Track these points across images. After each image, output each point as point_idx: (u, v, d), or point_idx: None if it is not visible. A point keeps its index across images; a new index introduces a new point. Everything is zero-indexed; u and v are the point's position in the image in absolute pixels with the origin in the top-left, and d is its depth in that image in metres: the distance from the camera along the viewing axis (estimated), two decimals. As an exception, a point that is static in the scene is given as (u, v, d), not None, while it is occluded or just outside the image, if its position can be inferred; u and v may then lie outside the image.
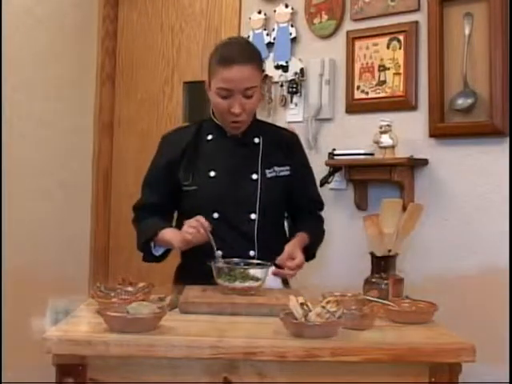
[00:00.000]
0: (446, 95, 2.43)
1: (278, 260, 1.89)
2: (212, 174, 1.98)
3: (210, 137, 2.04)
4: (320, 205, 2.18)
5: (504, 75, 2.29)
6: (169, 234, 1.94)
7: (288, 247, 1.93)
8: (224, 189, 1.96)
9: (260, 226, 1.98)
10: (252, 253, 1.97)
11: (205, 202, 1.96)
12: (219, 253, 1.87)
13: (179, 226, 1.96)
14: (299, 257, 1.92)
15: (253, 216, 1.97)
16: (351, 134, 2.68)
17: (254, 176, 1.99)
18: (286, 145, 2.08)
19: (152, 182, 2.07)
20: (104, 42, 3.55)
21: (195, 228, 1.83)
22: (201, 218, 1.85)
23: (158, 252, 2.01)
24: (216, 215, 1.95)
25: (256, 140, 2.03)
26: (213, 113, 2.04)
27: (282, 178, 2.03)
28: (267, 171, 2.01)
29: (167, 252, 2.03)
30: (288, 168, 2.04)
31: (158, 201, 2.04)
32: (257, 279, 1.78)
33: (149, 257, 2.03)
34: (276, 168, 2.02)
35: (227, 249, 1.90)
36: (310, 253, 2.05)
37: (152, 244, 1.99)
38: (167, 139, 2.11)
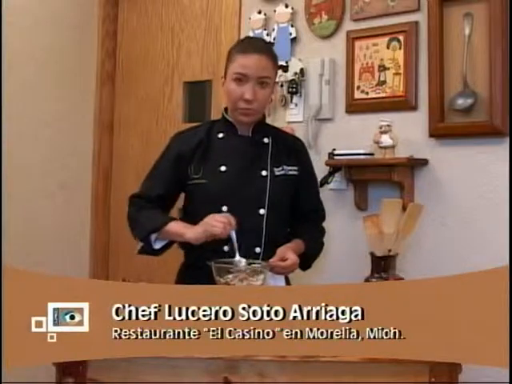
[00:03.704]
0: (446, 95, 2.42)
1: (270, 262, 1.90)
2: (222, 168, 2.00)
3: (221, 135, 2.06)
4: (323, 214, 2.19)
5: (504, 75, 2.29)
6: (178, 227, 1.95)
7: (279, 251, 1.95)
8: (234, 183, 1.98)
9: (268, 221, 1.99)
10: (258, 249, 1.97)
11: (214, 195, 1.98)
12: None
13: (186, 221, 1.98)
14: (291, 258, 1.93)
15: (261, 211, 1.99)
16: (351, 133, 2.68)
17: (264, 172, 2.02)
18: (293, 149, 2.12)
19: (158, 174, 2.08)
20: (104, 42, 3.55)
21: (223, 224, 1.85)
22: (230, 216, 1.87)
23: (157, 245, 2.00)
24: (225, 209, 1.96)
25: (265, 140, 2.07)
26: (225, 111, 2.08)
27: (291, 176, 2.06)
28: (276, 169, 2.04)
29: (167, 247, 2.02)
30: (296, 168, 2.08)
31: (162, 193, 2.04)
32: (257, 279, 1.79)
33: (148, 249, 2.01)
34: (285, 167, 2.05)
35: (233, 245, 1.91)
36: (305, 262, 2.06)
37: (153, 237, 1.98)
38: (179, 136, 2.13)
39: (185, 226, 1.96)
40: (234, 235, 1.86)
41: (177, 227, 1.96)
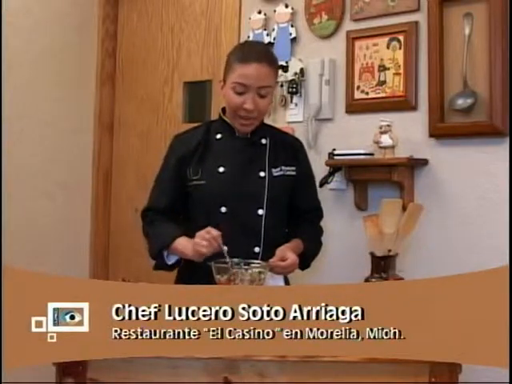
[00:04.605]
0: (445, 95, 2.42)
1: (270, 262, 1.90)
2: (221, 169, 2.01)
3: (219, 136, 2.07)
4: (321, 214, 2.20)
5: (504, 75, 2.29)
6: (183, 244, 1.95)
7: (279, 251, 1.95)
8: (232, 184, 1.99)
9: (267, 221, 2.00)
10: (257, 249, 1.98)
11: (213, 196, 1.98)
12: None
13: (188, 225, 1.99)
14: (291, 257, 1.94)
15: (260, 211, 2.00)
16: (351, 133, 2.68)
17: (262, 173, 2.02)
18: (291, 148, 2.12)
19: (163, 183, 2.09)
20: (104, 42, 3.55)
21: (208, 241, 1.85)
22: (211, 230, 1.86)
23: (170, 261, 2.01)
24: (224, 209, 1.97)
25: (263, 141, 2.07)
26: (223, 112, 2.08)
27: (289, 177, 2.06)
28: (274, 170, 2.04)
29: (180, 261, 2.02)
30: (294, 169, 2.08)
31: (168, 202, 2.05)
32: (258, 279, 1.79)
33: (162, 265, 2.02)
34: (283, 167, 2.06)
35: (232, 245, 1.91)
36: (304, 262, 2.06)
37: (165, 252, 1.99)
38: (178, 139, 2.13)
39: (188, 241, 1.94)
40: (224, 250, 1.84)
41: (180, 246, 1.95)
